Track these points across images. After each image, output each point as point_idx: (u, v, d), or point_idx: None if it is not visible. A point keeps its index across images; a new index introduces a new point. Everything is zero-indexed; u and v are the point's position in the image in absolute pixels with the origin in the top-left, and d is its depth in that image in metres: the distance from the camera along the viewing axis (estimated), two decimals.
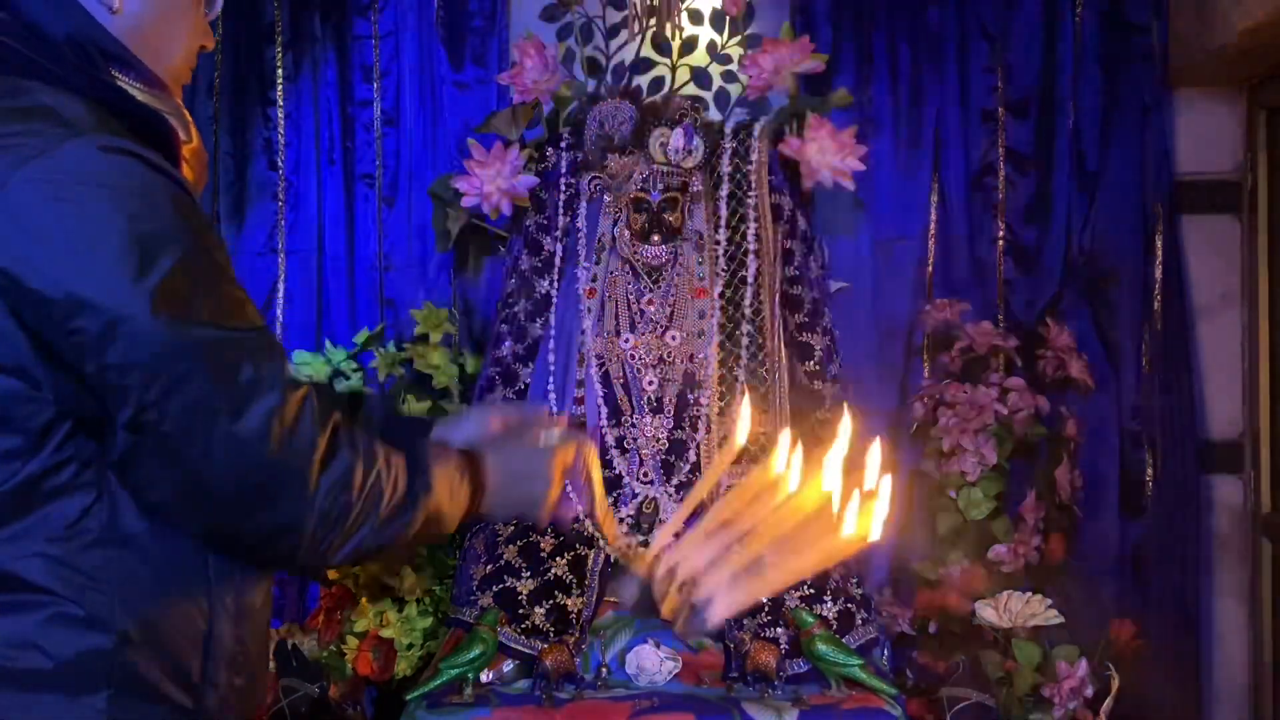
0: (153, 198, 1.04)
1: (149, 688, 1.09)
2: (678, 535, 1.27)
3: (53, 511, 1.05)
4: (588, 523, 2.34)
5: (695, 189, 2.49)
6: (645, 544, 1.36)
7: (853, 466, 1.20)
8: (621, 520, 2.34)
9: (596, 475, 1.39)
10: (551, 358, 2.47)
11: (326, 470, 1.09)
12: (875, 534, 1.17)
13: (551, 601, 2.25)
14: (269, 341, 1.11)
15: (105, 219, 1.01)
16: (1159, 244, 2.83)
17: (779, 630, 2.21)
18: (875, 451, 1.19)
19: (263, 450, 1.05)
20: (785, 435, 1.26)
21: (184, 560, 1.11)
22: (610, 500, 2.39)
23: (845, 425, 1.22)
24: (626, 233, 2.48)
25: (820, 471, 1.20)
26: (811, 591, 2.23)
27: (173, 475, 1.05)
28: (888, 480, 1.18)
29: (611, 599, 2.32)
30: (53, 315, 1.00)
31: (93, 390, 1.03)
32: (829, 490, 1.19)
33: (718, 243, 2.48)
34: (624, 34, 2.69)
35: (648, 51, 2.70)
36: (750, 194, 2.49)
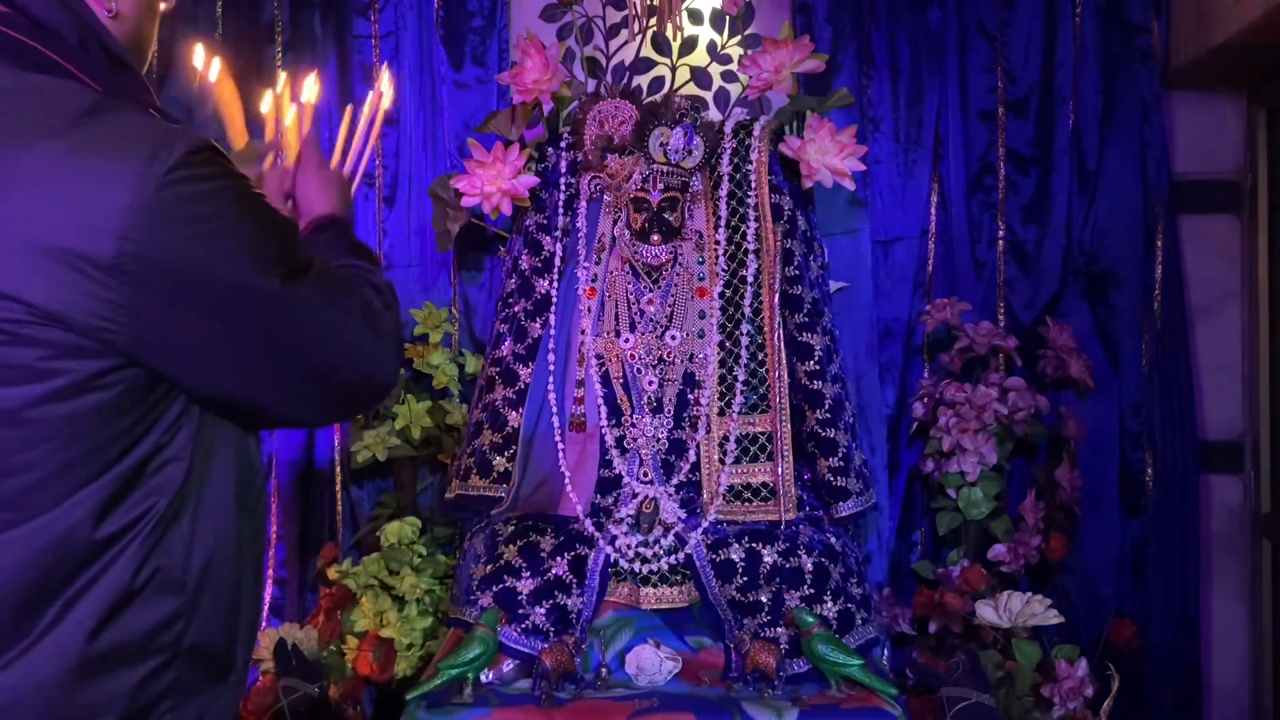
0: (239, 182, 1.11)
1: (202, 654, 1.12)
2: None
3: (163, 481, 1.08)
4: (586, 522, 2.34)
5: (695, 189, 2.49)
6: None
7: None
8: (621, 520, 2.34)
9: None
10: (551, 358, 2.47)
11: (393, 329, 1.27)
12: None
13: (551, 601, 2.25)
14: (318, 258, 1.21)
15: (230, 206, 1.08)
16: (1159, 244, 2.83)
17: (779, 630, 2.21)
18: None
19: (367, 341, 1.21)
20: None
21: (228, 527, 1.15)
22: (610, 499, 2.39)
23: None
24: (626, 232, 2.48)
25: None
26: (811, 591, 2.24)
27: (311, 384, 1.18)
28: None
29: (612, 599, 2.32)
30: (181, 300, 1.04)
31: (226, 363, 1.11)
32: None
33: (718, 243, 2.48)
34: (624, 34, 2.69)
35: (648, 51, 2.70)
36: (750, 194, 2.49)
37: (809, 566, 2.25)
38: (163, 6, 1.30)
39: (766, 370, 2.43)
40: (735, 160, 2.51)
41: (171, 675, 1.09)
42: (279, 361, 1.14)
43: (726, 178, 2.50)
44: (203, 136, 1.09)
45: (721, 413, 2.41)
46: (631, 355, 2.45)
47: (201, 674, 1.13)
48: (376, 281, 1.31)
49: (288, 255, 1.13)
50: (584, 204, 2.53)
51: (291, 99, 1.79)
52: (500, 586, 2.26)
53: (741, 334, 2.43)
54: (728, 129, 2.54)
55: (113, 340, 1.02)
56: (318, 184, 1.56)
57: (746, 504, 2.38)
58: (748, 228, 2.47)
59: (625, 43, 2.69)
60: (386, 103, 1.96)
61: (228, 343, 1.09)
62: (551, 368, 2.46)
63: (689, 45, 2.69)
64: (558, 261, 2.52)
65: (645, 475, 2.40)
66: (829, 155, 2.50)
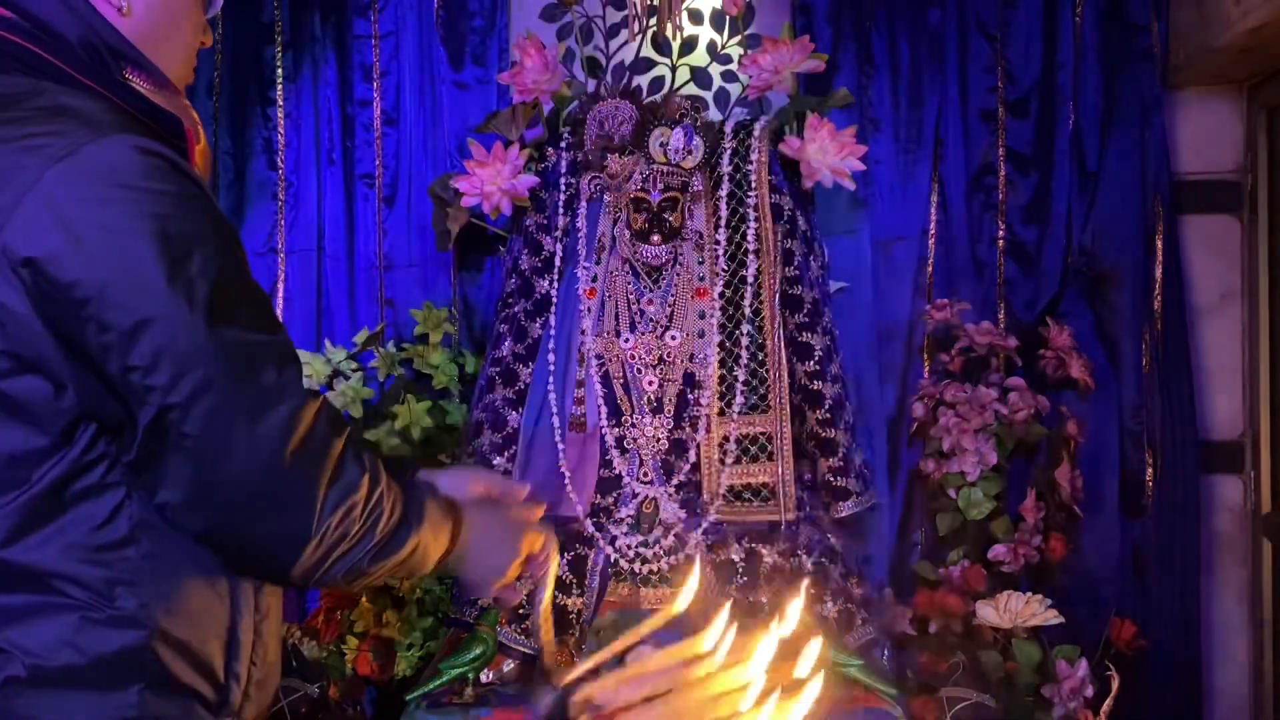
0: (182, 199, 1.05)
1: (177, 683, 1.10)
2: (596, 670, 1.27)
3: (85, 511, 1.06)
4: (586, 522, 2.33)
5: (695, 189, 2.49)
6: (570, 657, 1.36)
7: (789, 652, 1.17)
8: (621, 520, 2.34)
9: (554, 571, 1.40)
10: (551, 358, 2.47)
11: (335, 484, 1.09)
12: None
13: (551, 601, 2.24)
14: (288, 348, 1.12)
15: (138, 219, 1.02)
16: (1159, 244, 2.83)
17: None
18: (813, 647, 1.16)
19: (278, 455, 1.05)
20: (724, 611, 1.23)
21: (210, 557, 1.12)
22: (610, 500, 2.39)
23: (794, 609, 1.19)
24: (626, 232, 2.48)
25: (749, 654, 1.18)
26: (811, 591, 2.23)
27: (186, 475, 1.05)
28: (818, 680, 1.13)
29: (612, 599, 2.32)
30: (81, 312, 1.01)
31: (115, 390, 1.03)
32: (749, 679, 1.15)
33: (718, 243, 2.48)
34: (624, 34, 2.68)
35: (648, 51, 2.70)
36: (750, 194, 2.49)
37: (809, 567, 2.25)
38: (210, 12, 1.27)
39: (766, 370, 2.43)
40: (735, 160, 2.51)
41: (136, 706, 1.07)
42: (160, 411, 1.03)
43: (726, 178, 2.50)
44: (151, 144, 1.05)
45: (721, 413, 2.41)
46: (631, 355, 2.45)
47: (178, 705, 1.10)
48: (367, 485, 1.13)
49: (207, 283, 1.04)
50: (584, 204, 2.53)
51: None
52: None
53: (741, 334, 2.43)
54: (728, 129, 2.54)
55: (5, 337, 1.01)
56: (498, 535, 1.34)
57: (746, 504, 2.37)
58: (748, 228, 2.47)
59: (625, 43, 2.69)
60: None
61: (107, 362, 1.02)
62: (551, 368, 2.46)
63: (689, 45, 2.69)
64: (558, 261, 2.52)
65: (645, 475, 2.40)
66: (829, 155, 2.50)
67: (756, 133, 2.53)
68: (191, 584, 1.11)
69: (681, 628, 1.30)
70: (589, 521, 2.34)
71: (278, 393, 1.06)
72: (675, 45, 2.67)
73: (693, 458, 2.40)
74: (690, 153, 2.43)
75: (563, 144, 2.59)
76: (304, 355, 2.75)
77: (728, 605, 1.24)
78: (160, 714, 1.09)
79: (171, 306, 1.01)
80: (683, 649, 1.24)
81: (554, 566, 1.40)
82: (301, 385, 1.10)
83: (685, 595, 1.29)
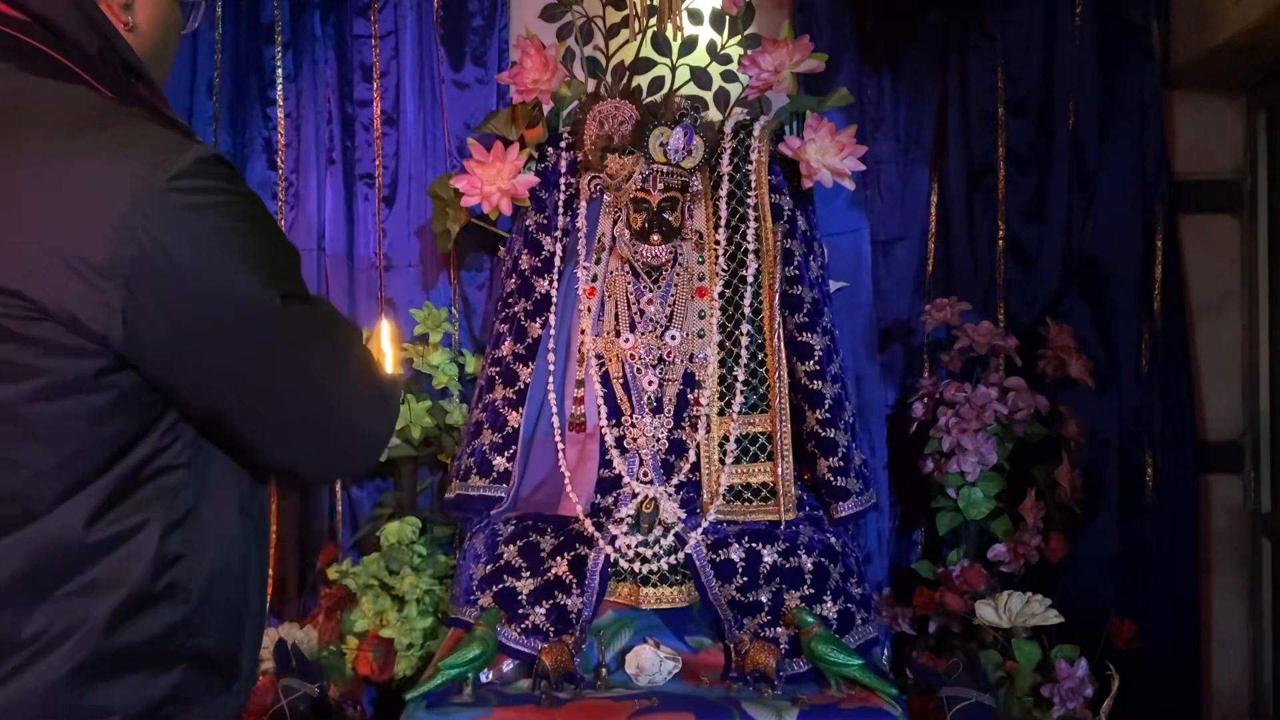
0: (250, 199, 1.11)
1: (209, 660, 1.13)
2: None
3: (160, 488, 1.09)
4: (586, 522, 2.34)
5: (695, 189, 2.49)
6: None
7: None
8: (621, 520, 2.34)
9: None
10: (551, 358, 2.47)
11: (389, 391, 1.29)
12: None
13: (551, 601, 2.25)
14: (326, 301, 1.25)
15: (236, 221, 1.07)
16: (1158, 244, 2.83)
17: (779, 630, 2.21)
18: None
19: (371, 381, 1.24)
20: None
21: (233, 535, 1.17)
22: (610, 499, 2.39)
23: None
24: (626, 232, 2.48)
25: None
26: (811, 591, 2.23)
27: (301, 441, 1.19)
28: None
29: (612, 599, 2.32)
30: (183, 314, 1.05)
31: (215, 383, 1.10)
32: None
33: (718, 243, 2.48)
34: (624, 34, 2.68)
35: (648, 51, 2.70)
36: (750, 194, 2.49)
37: (809, 566, 2.25)
38: (186, 29, 1.31)
39: (766, 370, 2.43)
40: (735, 160, 2.51)
41: (177, 681, 1.10)
42: (271, 384, 1.13)
43: (726, 178, 2.50)
44: (213, 149, 1.09)
45: (721, 413, 2.41)
46: (631, 355, 2.45)
47: (207, 681, 1.13)
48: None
49: (289, 278, 1.13)
50: (584, 204, 2.54)
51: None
52: (500, 586, 2.26)
53: (741, 334, 2.43)
54: (728, 129, 2.54)
55: (105, 341, 1.02)
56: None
57: (746, 504, 2.38)
58: (748, 228, 2.47)
59: (625, 43, 2.69)
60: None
61: (220, 356, 1.08)
62: (551, 368, 2.46)
63: (689, 45, 2.69)
64: (558, 261, 2.52)
65: (645, 475, 2.40)
66: (829, 155, 2.50)
67: (756, 133, 2.53)
68: (222, 561, 1.15)
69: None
70: (589, 521, 2.34)
71: (349, 332, 1.24)
72: (675, 45, 2.67)
73: (693, 457, 2.40)
74: (690, 153, 2.43)
75: (563, 144, 2.59)
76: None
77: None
78: (197, 690, 1.12)
79: (269, 298, 1.09)
80: None
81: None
82: (351, 328, 1.25)
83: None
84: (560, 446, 2.41)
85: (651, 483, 2.39)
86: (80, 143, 1.03)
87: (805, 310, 2.46)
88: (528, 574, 2.27)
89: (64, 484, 1.04)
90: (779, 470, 2.37)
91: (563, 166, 2.56)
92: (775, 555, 2.26)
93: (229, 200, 1.07)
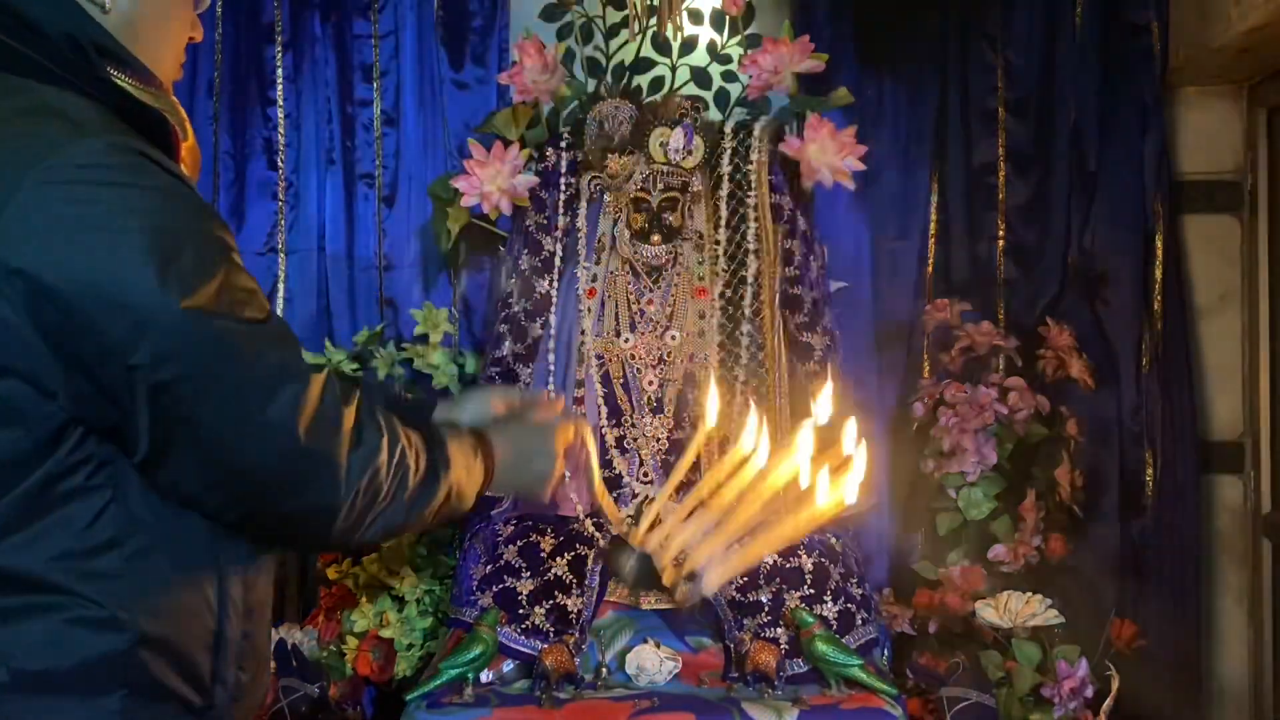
0: (165, 195, 1.05)
1: (161, 687, 1.09)
2: (660, 514, 1.36)
3: (69, 513, 1.05)
4: (586, 522, 2.34)
5: (695, 189, 2.49)
6: (635, 521, 1.43)
7: (829, 438, 1.29)
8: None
9: (593, 452, 1.45)
10: (551, 358, 2.47)
11: (355, 449, 1.11)
12: (850, 499, 1.25)
13: (551, 601, 2.24)
14: (284, 328, 1.13)
15: (123, 218, 1.01)
16: (1159, 244, 2.83)
17: (779, 630, 2.21)
18: (851, 425, 1.29)
19: (294, 435, 1.06)
20: (753, 414, 1.35)
21: (194, 559, 1.12)
22: (610, 499, 2.39)
23: (824, 397, 1.32)
24: (626, 232, 2.48)
25: (790, 447, 1.30)
26: (811, 591, 2.23)
27: (206, 469, 1.06)
28: (863, 449, 1.25)
29: (612, 599, 2.32)
30: (74, 317, 0.99)
31: (111, 393, 1.02)
32: (796, 465, 1.28)
33: (718, 243, 2.48)
34: (624, 34, 2.68)
35: (648, 51, 2.70)
36: (750, 194, 2.49)
37: (809, 566, 2.25)
38: (199, 8, 1.26)
39: (766, 370, 2.43)
40: (735, 160, 2.51)
41: (119, 711, 1.06)
42: (167, 408, 1.03)
43: (726, 178, 2.50)
44: (130, 142, 1.04)
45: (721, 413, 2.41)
46: (632, 355, 2.45)
47: (161, 710, 1.09)
48: (412, 455, 1.17)
49: (198, 275, 1.02)
50: (584, 204, 2.53)
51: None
52: (500, 586, 2.26)
53: (741, 334, 2.43)
54: (728, 129, 2.54)
55: None
56: (531, 446, 1.38)
57: None
58: (748, 228, 2.47)
59: (625, 43, 2.69)
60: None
61: (104, 365, 1.01)
62: (551, 368, 2.46)
63: (689, 45, 2.69)
64: (558, 261, 2.52)
65: (645, 475, 2.40)
66: (829, 155, 2.50)
67: (756, 133, 2.53)
68: (176, 587, 1.10)
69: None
70: (589, 521, 2.34)
71: (281, 374, 1.08)
72: (675, 45, 2.67)
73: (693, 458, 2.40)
74: (690, 153, 2.43)
75: (563, 144, 2.59)
76: (304, 355, 2.75)
77: (753, 407, 1.39)
78: (143, 719, 1.08)
79: (164, 303, 1.00)
80: (722, 464, 1.36)
81: (592, 448, 1.45)
82: (303, 362, 1.11)
83: (710, 410, 1.43)
84: None
85: (652, 483, 2.39)
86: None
87: (805, 310, 2.46)
88: (528, 574, 2.27)
89: None
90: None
91: (563, 166, 2.56)
92: (775, 555, 2.26)
93: (122, 192, 1.01)
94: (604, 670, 2.21)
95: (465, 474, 1.25)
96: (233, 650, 1.15)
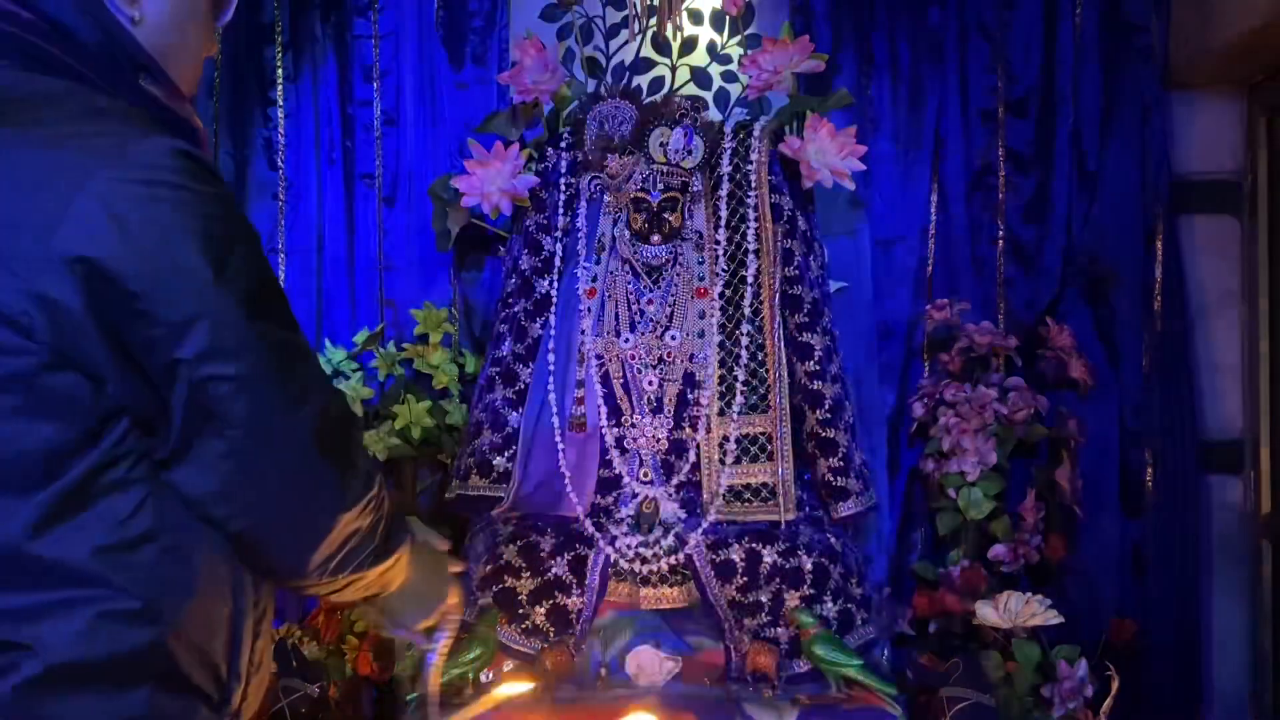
0: (221, 200, 1.09)
1: (186, 681, 1.11)
2: None
3: (111, 505, 1.07)
4: (586, 522, 2.33)
5: (695, 189, 2.49)
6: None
7: None
8: (620, 520, 2.34)
9: (453, 630, 1.51)
10: (551, 358, 2.47)
11: (356, 476, 1.17)
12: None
13: (551, 601, 2.24)
14: (308, 344, 1.18)
15: (187, 217, 1.05)
16: (1159, 244, 2.83)
17: (779, 630, 2.21)
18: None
19: (313, 445, 1.12)
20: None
21: (219, 558, 1.14)
22: (610, 499, 2.39)
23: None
24: (626, 232, 2.48)
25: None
26: (811, 592, 2.23)
27: (225, 465, 1.09)
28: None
29: (612, 599, 2.32)
30: (131, 307, 1.03)
31: (156, 385, 1.06)
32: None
33: (718, 243, 2.48)
34: (624, 34, 2.68)
35: (648, 51, 2.70)
36: (750, 194, 2.49)
37: (809, 567, 2.25)
38: (220, 20, 1.31)
39: (766, 370, 2.43)
40: (735, 160, 2.51)
41: (146, 704, 1.08)
42: (201, 403, 1.07)
43: (726, 178, 2.50)
44: (189, 147, 1.08)
45: (721, 413, 2.41)
46: (631, 355, 2.45)
47: (185, 704, 1.11)
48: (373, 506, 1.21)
49: (250, 279, 1.09)
50: (584, 204, 2.53)
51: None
52: (500, 586, 2.26)
53: (741, 334, 2.43)
54: (728, 129, 2.54)
55: (39, 337, 1.02)
56: (435, 576, 1.43)
57: (746, 504, 2.37)
58: (748, 228, 2.47)
59: (625, 43, 2.69)
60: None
61: (152, 354, 1.05)
62: (551, 368, 2.46)
63: (689, 45, 2.69)
64: (558, 261, 2.52)
65: (645, 475, 2.40)
66: (829, 155, 2.50)
67: (756, 133, 2.53)
68: (203, 582, 1.12)
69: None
70: (589, 521, 2.34)
71: (310, 386, 1.13)
72: (675, 45, 2.67)
73: (693, 458, 2.40)
74: (690, 153, 2.44)
75: (563, 144, 2.59)
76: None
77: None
78: (167, 713, 1.10)
79: (219, 302, 1.05)
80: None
81: (454, 629, 1.51)
82: (327, 377, 1.17)
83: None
84: (560, 447, 2.41)
85: (651, 483, 2.39)
86: (42, 135, 1.05)
87: (805, 310, 2.46)
88: (528, 574, 2.27)
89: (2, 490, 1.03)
90: (779, 470, 2.37)
91: (563, 166, 2.56)
92: (775, 555, 2.26)
93: (183, 199, 1.05)
94: (604, 670, 2.21)
95: (406, 554, 1.31)
96: (247, 645, 1.18)
